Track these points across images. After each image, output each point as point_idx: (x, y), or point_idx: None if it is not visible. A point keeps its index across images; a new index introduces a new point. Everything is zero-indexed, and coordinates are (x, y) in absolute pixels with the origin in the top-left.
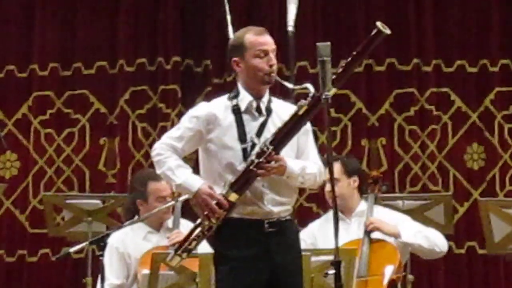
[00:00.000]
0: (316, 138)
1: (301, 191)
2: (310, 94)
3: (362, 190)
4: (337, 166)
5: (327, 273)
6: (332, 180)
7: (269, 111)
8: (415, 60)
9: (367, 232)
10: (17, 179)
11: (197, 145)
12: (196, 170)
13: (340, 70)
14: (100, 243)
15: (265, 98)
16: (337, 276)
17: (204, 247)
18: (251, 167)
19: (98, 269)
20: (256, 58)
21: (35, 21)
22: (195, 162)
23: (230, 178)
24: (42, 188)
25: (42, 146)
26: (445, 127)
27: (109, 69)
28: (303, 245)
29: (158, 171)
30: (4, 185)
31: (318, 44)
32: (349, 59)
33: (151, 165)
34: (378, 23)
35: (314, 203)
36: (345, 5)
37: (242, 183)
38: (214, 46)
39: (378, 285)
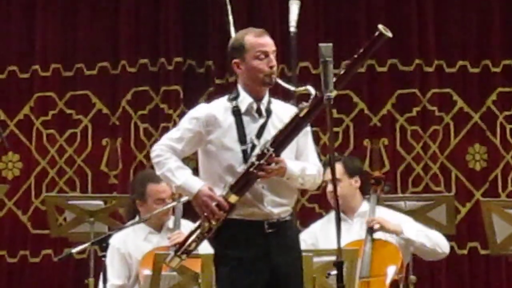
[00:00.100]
0: (318, 139)
1: (303, 191)
2: (311, 96)
3: (364, 191)
4: (338, 167)
5: (329, 274)
6: (334, 180)
7: (269, 112)
8: (417, 61)
9: (370, 232)
10: (19, 180)
11: (197, 147)
12: (198, 170)
13: (341, 72)
14: (102, 243)
15: (265, 100)
16: (339, 276)
17: (206, 248)
18: (251, 169)
19: (100, 270)
20: (256, 60)
21: (37, 21)
22: (197, 162)
23: (230, 179)
24: (44, 189)
25: (44, 147)
26: (447, 128)
27: (111, 69)
28: (303, 246)
29: (158, 173)
30: (6, 186)
31: (320, 45)
32: (351, 61)
33: (153, 166)
34: (380, 26)
35: (316, 203)
36: (346, 5)
37: (242, 184)
38: (216, 47)
39: (380, 286)
